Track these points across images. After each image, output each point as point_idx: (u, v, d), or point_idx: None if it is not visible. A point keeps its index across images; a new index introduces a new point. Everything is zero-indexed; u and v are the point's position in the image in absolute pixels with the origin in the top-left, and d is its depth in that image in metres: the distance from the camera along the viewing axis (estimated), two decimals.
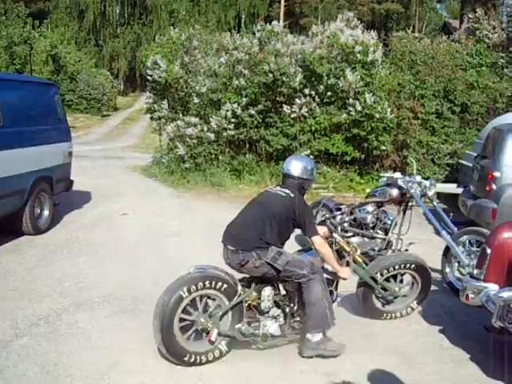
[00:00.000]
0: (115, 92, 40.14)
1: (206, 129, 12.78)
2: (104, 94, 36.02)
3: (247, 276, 4.80)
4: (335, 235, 5.24)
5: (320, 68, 12.16)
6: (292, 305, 4.83)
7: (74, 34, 47.17)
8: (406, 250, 6.16)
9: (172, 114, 13.84)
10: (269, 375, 4.47)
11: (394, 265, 5.62)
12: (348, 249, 5.22)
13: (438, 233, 6.72)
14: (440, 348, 5.11)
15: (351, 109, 11.91)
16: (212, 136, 12.72)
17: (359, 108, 11.74)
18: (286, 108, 12.32)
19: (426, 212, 6.65)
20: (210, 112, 13.06)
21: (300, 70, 12.39)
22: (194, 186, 12.67)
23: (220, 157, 13.04)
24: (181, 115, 13.40)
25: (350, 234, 7.44)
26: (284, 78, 12.20)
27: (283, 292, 4.81)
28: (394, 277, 5.70)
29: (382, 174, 7.48)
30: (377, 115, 11.71)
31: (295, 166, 4.92)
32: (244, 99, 12.61)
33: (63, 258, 7.25)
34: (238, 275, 4.79)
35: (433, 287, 6.02)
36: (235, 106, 12.55)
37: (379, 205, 7.43)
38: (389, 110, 11.87)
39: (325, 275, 4.84)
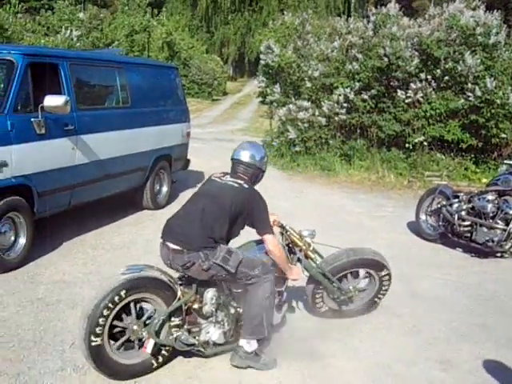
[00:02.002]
0: (225, 77, 40.72)
1: (317, 113, 12.77)
2: (215, 78, 36.67)
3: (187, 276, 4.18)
4: (287, 227, 4.66)
5: (437, 51, 11.80)
6: (238, 308, 4.27)
7: (188, 22, 48.39)
8: None
9: (284, 98, 13.93)
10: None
11: (347, 264, 4.93)
12: (300, 243, 4.64)
13: None
14: None
15: (469, 94, 11.48)
16: (323, 120, 12.70)
17: (478, 93, 11.29)
18: (400, 93, 12.07)
19: None
20: (322, 96, 13.05)
21: (416, 53, 12.08)
22: (304, 170, 12.71)
23: (330, 141, 12.99)
24: (293, 99, 13.45)
25: (467, 223, 7.27)
26: (399, 62, 11.95)
27: (229, 295, 4.26)
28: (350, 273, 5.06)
29: (506, 162, 7.16)
30: (498, 101, 11.18)
31: (250, 153, 4.32)
32: (357, 84, 12.49)
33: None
34: (177, 274, 4.25)
35: None
36: (348, 90, 12.46)
37: (501, 194, 7.19)
38: (511, 95, 11.33)
39: (276, 274, 4.32)
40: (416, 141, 12.04)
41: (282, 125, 13.76)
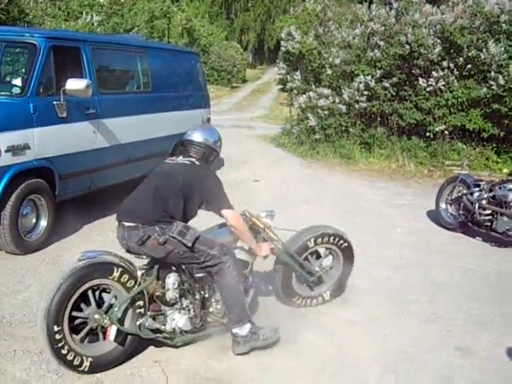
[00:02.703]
0: (245, 64, 40.67)
1: (337, 100, 12.71)
2: (234, 66, 36.69)
3: (147, 262, 4.09)
4: (244, 211, 4.50)
5: (461, 39, 11.63)
6: (202, 293, 4.18)
7: (208, 8, 48.39)
8: None
9: (304, 85, 13.86)
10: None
11: (311, 239, 4.84)
12: (261, 225, 4.49)
13: None
14: None
15: (492, 83, 11.31)
16: (343, 108, 12.63)
17: (502, 82, 11.12)
18: (421, 81, 11.94)
19: None
20: (343, 84, 12.97)
21: (438, 41, 11.92)
22: (323, 158, 12.68)
23: (350, 129, 12.92)
24: (313, 86, 13.39)
25: (487, 212, 7.22)
26: (421, 50, 11.81)
27: (190, 279, 4.15)
28: (310, 255, 4.96)
29: None
30: None
31: (200, 134, 4.33)
32: (378, 71, 12.39)
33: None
34: (138, 262, 4.13)
35: None
36: (369, 78, 12.36)
37: None
38: None
39: (239, 257, 4.27)
40: (437, 129, 11.93)
41: (302, 112, 13.71)
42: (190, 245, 3.90)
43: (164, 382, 3.79)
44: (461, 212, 7.56)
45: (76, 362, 3.72)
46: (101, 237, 6.59)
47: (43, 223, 6.20)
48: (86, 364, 3.76)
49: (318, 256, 5.03)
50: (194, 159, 4.20)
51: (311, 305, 5.05)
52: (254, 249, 4.33)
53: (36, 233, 6.15)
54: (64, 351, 3.66)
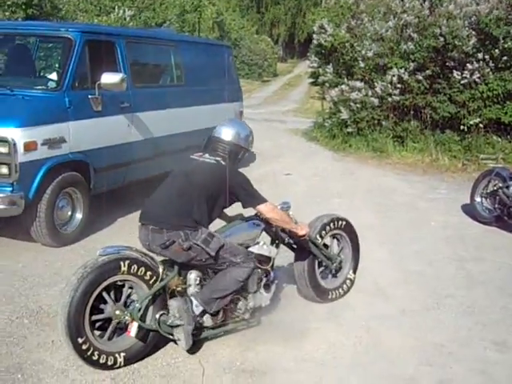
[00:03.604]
0: (275, 58, 40.61)
1: (370, 94, 12.61)
2: (265, 59, 36.66)
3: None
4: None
5: (496, 30, 11.43)
6: None
7: (238, 2, 48.34)
8: None
9: (336, 79, 13.77)
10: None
11: (327, 224, 4.87)
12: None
13: None
14: None
15: None
16: (376, 101, 12.52)
17: None
18: (455, 73, 11.78)
19: None
20: (375, 77, 12.86)
21: (473, 32, 11.74)
22: (356, 151, 12.61)
23: (383, 122, 12.80)
24: (345, 79, 13.30)
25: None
26: (456, 42, 11.64)
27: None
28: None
29: None
30: None
31: (228, 131, 4.18)
32: (411, 64, 12.24)
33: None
34: (159, 258, 4.09)
35: None
36: (402, 71, 12.22)
37: None
38: None
39: (260, 252, 4.26)
40: (471, 123, 11.77)
41: (334, 105, 13.63)
42: (213, 254, 3.86)
43: (200, 373, 3.81)
44: (496, 206, 7.45)
45: (110, 362, 3.71)
46: (134, 230, 6.63)
47: (78, 216, 6.27)
48: (120, 360, 3.76)
49: (326, 246, 5.01)
50: (219, 158, 4.07)
51: (344, 292, 5.09)
52: (296, 230, 4.35)
53: (71, 225, 6.22)
54: (95, 357, 3.64)
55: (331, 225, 4.93)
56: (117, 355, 3.75)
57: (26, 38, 7.45)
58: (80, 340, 3.57)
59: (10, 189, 5.47)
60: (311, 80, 18.05)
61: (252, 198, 4.09)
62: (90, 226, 6.49)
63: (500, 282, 5.72)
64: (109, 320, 3.77)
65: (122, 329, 3.86)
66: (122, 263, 3.72)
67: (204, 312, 3.99)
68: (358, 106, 12.71)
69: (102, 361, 3.68)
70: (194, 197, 3.90)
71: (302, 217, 4.76)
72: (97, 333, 3.75)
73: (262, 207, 4.11)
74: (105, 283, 3.68)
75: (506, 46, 11.40)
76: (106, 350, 3.72)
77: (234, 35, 36.66)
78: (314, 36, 14.35)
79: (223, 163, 4.05)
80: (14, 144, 5.34)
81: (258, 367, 3.92)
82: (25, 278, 5.21)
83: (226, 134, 4.18)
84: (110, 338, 3.79)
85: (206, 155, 4.15)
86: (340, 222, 5.02)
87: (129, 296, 3.86)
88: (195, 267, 4.01)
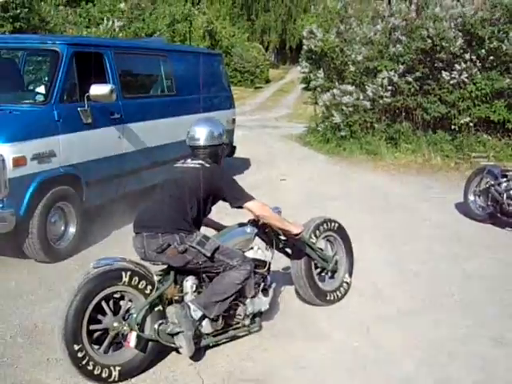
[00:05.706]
0: (267, 65, 40.61)
1: (361, 97, 12.64)
2: (257, 66, 36.64)
3: (164, 267, 4.03)
4: None
5: (482, 31, 11.55)
6: None
7: (228, 10, 48.28)
8: None
9: (328, 83, 13.80)
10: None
11: (320, 224, 4.88)
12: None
13: None
14: None
15: None
16: (368, 104, 12.56)
17: None
18: (444, 74, 11.84)
19: None
20: (366, 80, 12.90)
21: (460, 34, 11.81)
22: (350, 154, 12.62)
23: (376, 125, 12.85)
24: (336, 84, 13.34)
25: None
26: (443, 43, 11.72)
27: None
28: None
29: None
30: None
31: (201, 134, 4.20)
32: (401, 66, 12.31)
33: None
34: (154, 268, 4.08)
35: None
36: (392, 73, 12.28)
37: None
38: None
39: (256, 256, 4.28)
40: (462, 122, 11.86)
41: (327, 110, 13.65)
42: (209, 254, 3.86)
43: None
44: (489, 203, 7.50)
45: (104, 375, 3.64)
46: (130, 242, 6.59)
47: (72, 230, 6.20)
48: (115, 374, 3.69)
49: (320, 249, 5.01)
50: (202, 161, 4.12)
51: (342, 295, 5.08)
52: (289, 229, 4.34)
53: (65, 240, 6.15)
54: (90, 367, 3.59)
55: (324, 225, 4.94)
56: (112, 368, 3.70)
57: (14, 52, 7.40)
58: (76, 347, 3.53)
59: (0, 205, 5.40)
60: (303, 85, 18.08)
61: (240, 196, 4.12)
62: (84, 239, 6.42)
63: (495, 278, 5.74)
64: (106, 333, 3.74)
65: (118, 343, 3.83)
66: (123, 273, 3.73)
67: (203, 317, 3.96)
68: (350, 109, 12.74)
69: (96, 372, 3.62)
70: (186, 200, 3.94)
71: (300, 220, 4.78)
72: (95, 346, 3.71)
73: (250, 204, 4.11)
74: (105, 292, 3.67)
75: (491, 45, 11.52)
76: (102, 362, 3.66)
77: (225, 43, 36.66)
78: (304, 41, 14.40)
79: (207, 165, 4.10)
80: (3, 160, 5.28)
81: (257, 377, 3.89)
82: (19, 296, 5.14)
83: (200, 138, 4.21)
84: (105, 352, 3.75)
85: (189, 160, 4.21)
86: (333, 224, 5.03)
87: (128, 310, 3.84)
88: (191, 274, 4.00)
